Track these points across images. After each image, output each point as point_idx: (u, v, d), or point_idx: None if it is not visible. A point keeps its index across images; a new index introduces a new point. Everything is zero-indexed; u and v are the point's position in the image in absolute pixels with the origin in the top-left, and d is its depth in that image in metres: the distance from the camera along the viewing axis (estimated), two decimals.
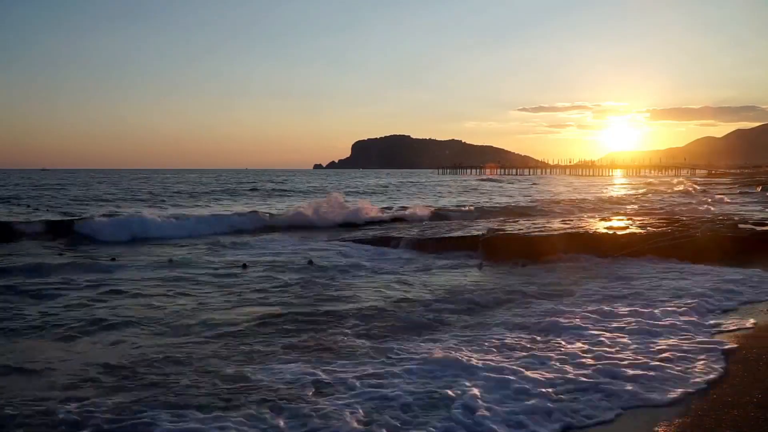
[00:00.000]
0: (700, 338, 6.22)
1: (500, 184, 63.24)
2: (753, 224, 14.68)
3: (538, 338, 6.31)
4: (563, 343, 6.10)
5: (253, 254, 12.96)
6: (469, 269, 11.15)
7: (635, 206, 28.28)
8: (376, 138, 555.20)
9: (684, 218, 16.59)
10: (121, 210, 23.48)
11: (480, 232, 14.06)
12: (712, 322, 6.91)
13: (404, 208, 24.05)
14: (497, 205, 28.04)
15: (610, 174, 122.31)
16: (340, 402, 4.64)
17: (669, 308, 7.45)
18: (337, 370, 5.33)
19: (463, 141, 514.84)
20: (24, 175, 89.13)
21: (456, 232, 15.40)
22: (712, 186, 51.60)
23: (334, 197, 21.39)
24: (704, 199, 32.19)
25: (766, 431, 4.09)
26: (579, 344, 6.05)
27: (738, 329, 6.64)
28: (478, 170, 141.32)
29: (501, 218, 20.51)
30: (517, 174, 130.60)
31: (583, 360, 5.56)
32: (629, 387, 4.91)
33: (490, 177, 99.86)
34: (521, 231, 13.94)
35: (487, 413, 4.41)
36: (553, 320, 6.92)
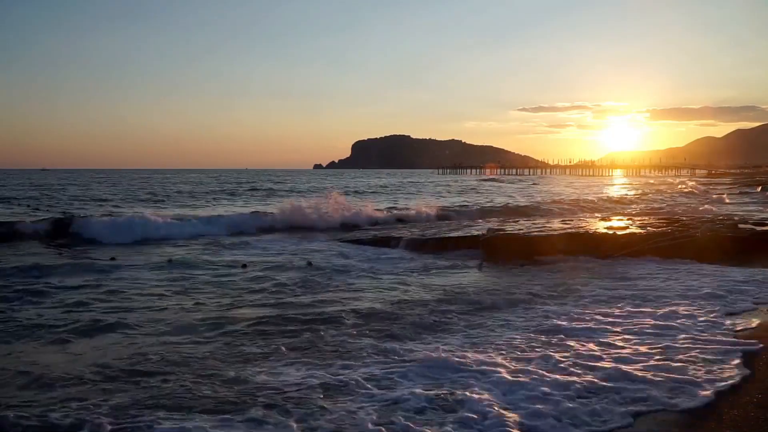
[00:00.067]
0: (719, 339, 6.06)
1: (500, 184, 63.14)
2: (753, 224, 14.63)
3: (547, 340, 6.17)
4: (575, 344, 5.96)
5: (253, 254, 12.92)
6: (469, 269, 11.11)
7: (635, 206, 28.27)
8: (376, 138, 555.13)
9: (684, 218, 16.55)
10: (120, 210, 23.48)
11: (480, 232, 14.00)
12: (728, 322, 6.74)
13: (405, 207, 24.01)
14: (497, 205, 28.00)
15: (610, 174, 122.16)
16: (353, 405, 4.52)
17: (681, 309, 7.33)
18: (342, 372, 5.23)
19: (463, 141, 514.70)
20: (24, 175, 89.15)
21: (456, 232, 15.35)
22: (712, 186, 51.57)
23: (334, 197, 21.36)
24: (704, 199, 32.16)
25: None
26: (591, 345, 5.92)
27: (756, 329, 6.46)
28: (478, 170, 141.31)
29: (501, 218, 20.49)
30: (517, 174, 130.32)
31: (597, 363, 5.41)
32: (647, 390, 4.76)
33: (490, 177, 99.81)
34: (521, 231, 13.89)
35: (500, 417, 4.29)
36: (561, 322, 6.81)
